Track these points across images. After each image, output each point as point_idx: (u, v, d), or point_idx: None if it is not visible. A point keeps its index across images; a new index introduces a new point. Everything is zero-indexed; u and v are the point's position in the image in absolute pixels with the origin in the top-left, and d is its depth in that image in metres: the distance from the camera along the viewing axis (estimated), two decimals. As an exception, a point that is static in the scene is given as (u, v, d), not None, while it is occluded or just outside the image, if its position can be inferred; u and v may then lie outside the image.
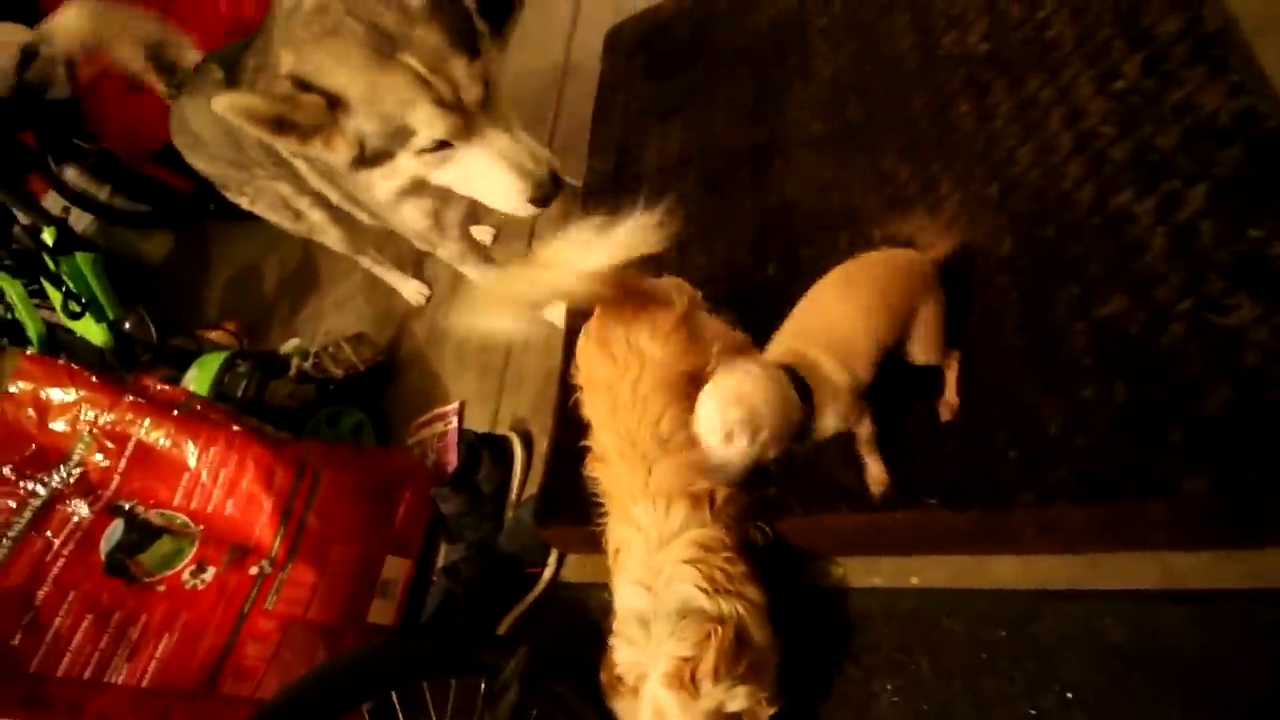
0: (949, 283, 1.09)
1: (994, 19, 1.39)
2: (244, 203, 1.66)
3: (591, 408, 1.08)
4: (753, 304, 1.36)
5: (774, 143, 1.55)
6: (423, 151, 0.98)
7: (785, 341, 1.02)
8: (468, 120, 0.95)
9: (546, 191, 1.03)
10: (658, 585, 0.95)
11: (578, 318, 1.32)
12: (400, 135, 0.94)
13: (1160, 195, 1.06)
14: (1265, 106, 1.05)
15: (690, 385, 1.04)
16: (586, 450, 1.12)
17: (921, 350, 1.05)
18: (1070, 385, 0.98)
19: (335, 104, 0.92)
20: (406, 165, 1.01)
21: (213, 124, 1.39)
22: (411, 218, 1.27)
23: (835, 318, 1.01)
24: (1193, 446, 0.88)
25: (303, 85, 0.90)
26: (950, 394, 1.08)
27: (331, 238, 1.67)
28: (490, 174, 1.01)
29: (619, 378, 1.03)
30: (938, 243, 1.13)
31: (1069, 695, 0.97)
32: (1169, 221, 1.03)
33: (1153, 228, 1.04)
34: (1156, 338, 0.96)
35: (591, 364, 1.08)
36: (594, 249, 0.91)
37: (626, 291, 1.04)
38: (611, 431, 1.04)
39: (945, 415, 1.07)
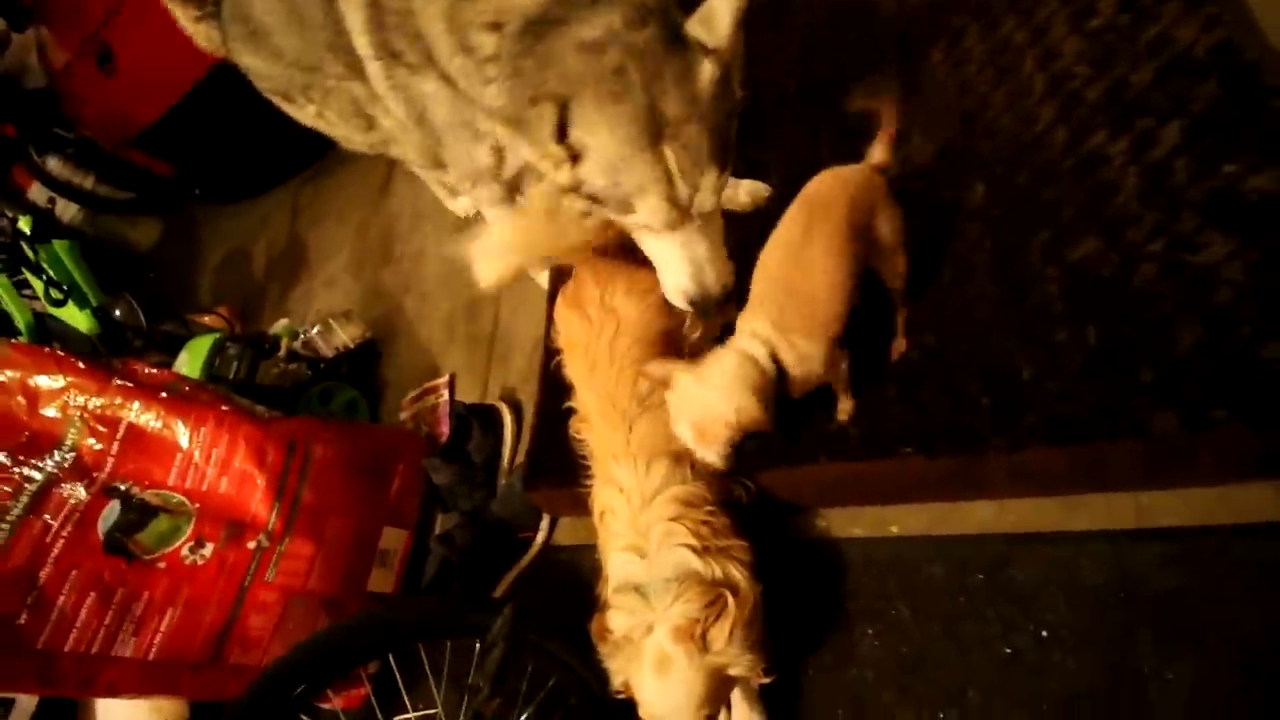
0: (922, 231, 1.08)
1: (969, -40, 1.35)
2: (308, 113, 1.41)
3: (572, 368, 1.10)
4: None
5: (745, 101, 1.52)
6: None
7: (750, 321, 0.95)
8: (684, 218, 0.92)
9: (707, 306, 0.99)
10: (650, 549, 0.96)
11: (558, 282, 1.32)
12: (620, 204, 0.90)
13: (1134, 135, 1.04)
14: (1241, 38, 1.03)
15: (667, 342, 1.05)
16: (570, 412, 1.14)
17: (890, 272, 1.03)
18: (1043, 330, 0.98)
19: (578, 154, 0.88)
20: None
21: (279, 6, 1.21)
22: (480, 154, 1.14)
23: (795, 283, 0.94)
24: (1163, 385, 0.89)
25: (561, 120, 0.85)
26: (899, 338, 1.09)
27: (410, 146, 1.28)
28: (672, 263, 0.98)
29: (595, 337, 1.04)
30: (885, 123, 1.02)
31: (1044, 634, 0.99)
32: (1142, 161, 1.02)
33: (1126, 168, 1.02)
34: (1128, 279, 0.96)
35: (569, 325, 1.09)
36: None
37: (607, 247, 1.05)
38: (592, 391, 1.05)
39: (893, 356, 1.09)
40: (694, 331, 1.12)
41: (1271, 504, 0.92)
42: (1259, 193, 0.92)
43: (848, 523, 1.18)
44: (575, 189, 0.90)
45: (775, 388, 0.91)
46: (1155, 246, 0.96)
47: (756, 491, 1.14)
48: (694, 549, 0.94)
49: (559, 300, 1.13)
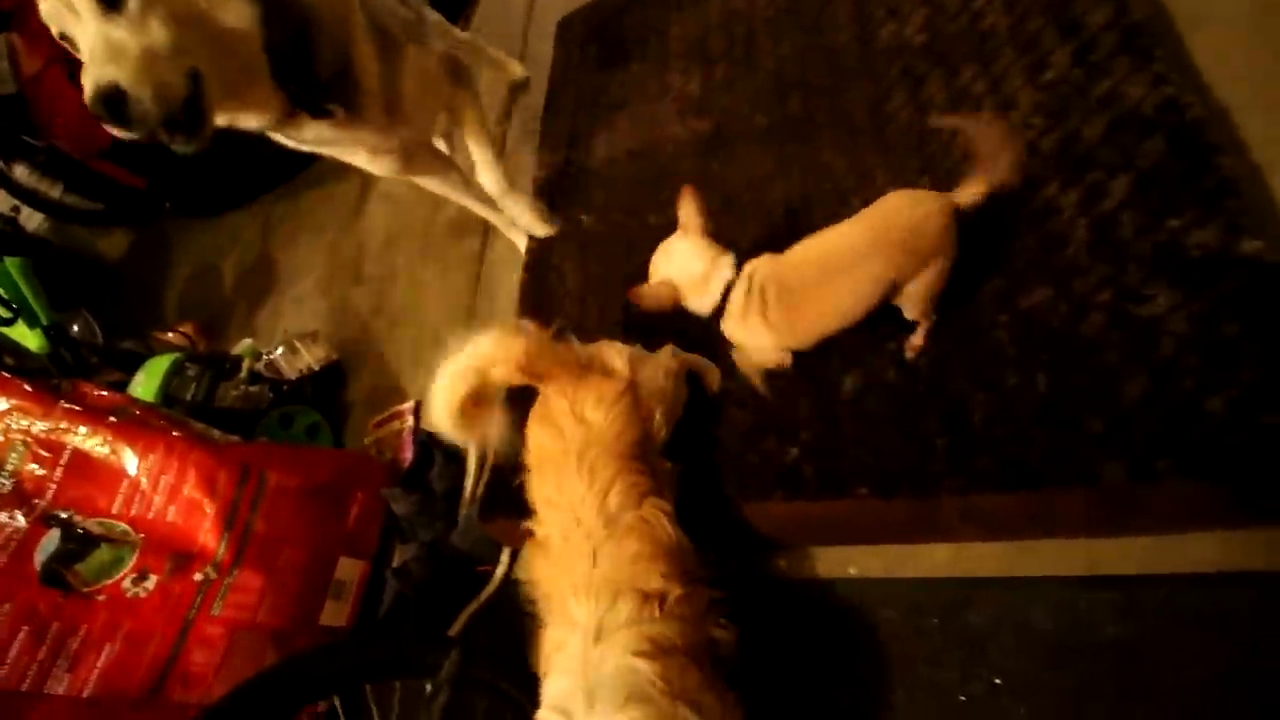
0: None
1: (932, 10, 1.39)
2: None
3: (539, 488, 1.01)
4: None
5: (719, 134, 1.55)
6: None
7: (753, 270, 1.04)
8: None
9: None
10: (597, 683, 0.80)
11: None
12: None
13: (1085, 187, 1.07)
14: (1187, 97, 1.07)
15: (638, 454, 0.99)
16: (527, 534, 1.02)
17: (911, 309, 1.02)
18: (995, 375, 0.99)
19: None
20: None
21: None
22: None
23: (813, 291, 1.00)
24: (1111, 435, 0.90)
25: None
26: (919, 337, 1.06)
27: None
28: None
29: (565, 450, 0.98)
30: (996, 160, 0.96)
31: (997, 681, 0.99)
32: (1091, 213, 1.04)
33: (1076, 219, 1.05)
34: (1077, 328, 0.98)
35: (539, 441, 1.03)
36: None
37: (564, 364, 1.03)
38: (556, 510, 0.96)
39: (909, 354, 1.08)
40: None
41: (1218, 554, 0.94)
42: (1201, 248, 0.95)
43: (806, 563, 1.17)
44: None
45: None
46: (1103, 297, 0.98)
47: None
48: (656, 687, 0.78)
49: (530, 418, 1.06)
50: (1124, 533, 0.99)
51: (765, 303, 1.01)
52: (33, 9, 2.70)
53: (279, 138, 1.21)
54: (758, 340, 1.07)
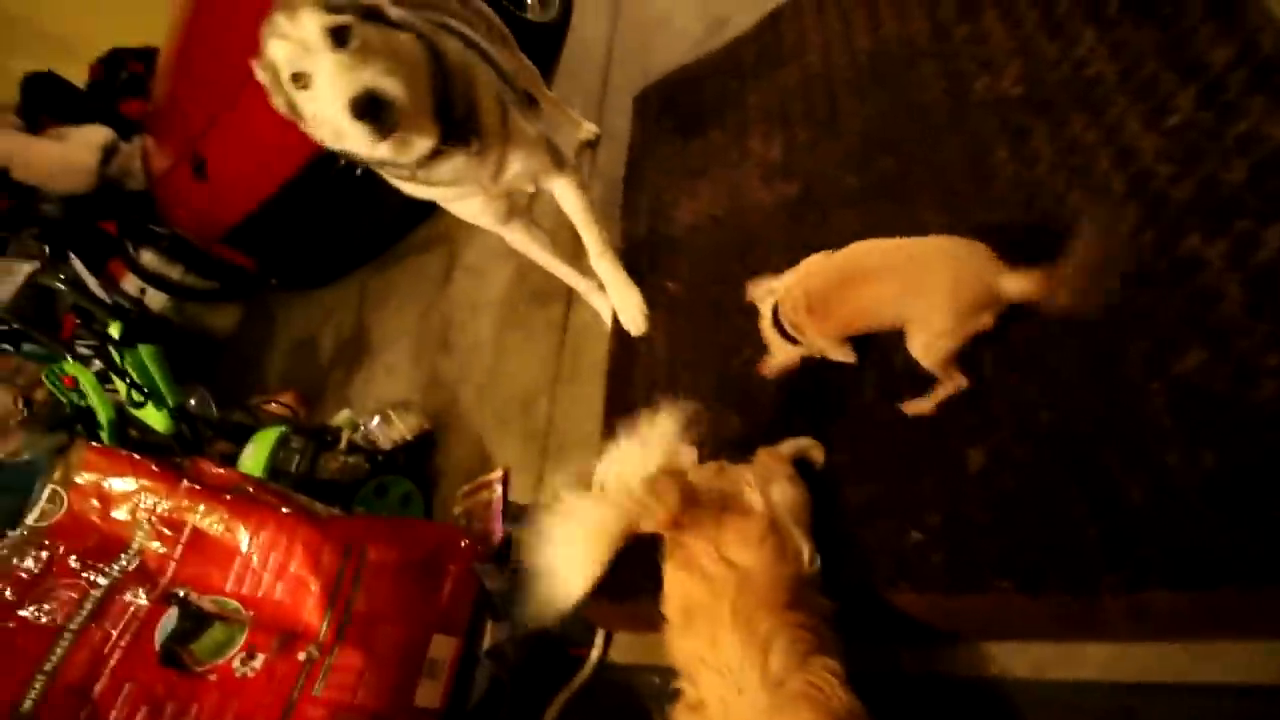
0: (1004, 335, 1.04)
1: (1027, 61, 1.34)
2: None
3: (687, 643, 0.90)
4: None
5: (807, 197, 1.52)
6: None
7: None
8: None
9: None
10: None
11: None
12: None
13: (1232, 236, 0.97)
14: (1343, 135, 0.97)
15: (795, 599, 0.90)
16: (676, 694, 0.93)
17: (919, 355, 1.05)
18: (1152, 451, 0.89)
19: None
20: None
21: None
22: None
23: (843, 293, 1.09)
24: (1303, 522, 0.78)
25: None
26: (929, 403, 1.09)
27: None
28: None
29: (716, 598, 0.88)
30: (1068, 275, 0.93)
31: (1180, 807, 0.85)
32: (1244, 265, 0.94)
33: (1226, 273, 0.95)
34: (1245, 396, 0.87)
35: (683, 590, 0.93)
36: (640, 462, 0.90)
37: (698, 503, 0.95)
38: (713, 670, 0.86)
39: (908, 410, 1.10)
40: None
41: None
42: (1391, 304, 0.83)
43: (937, 660, 1.06)
44: None
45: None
46: (1273, 361, 0.87)
47: None
48: None
49: (667, 566, 0.97)
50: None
51: (796, 311, 1.14)
52: (163, 115, 3.02)
53: (409, 186, 1.40)
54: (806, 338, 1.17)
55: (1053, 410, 0.99)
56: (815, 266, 1.15)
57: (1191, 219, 1.02)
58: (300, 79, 1.11)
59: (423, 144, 1.22)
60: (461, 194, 1.46)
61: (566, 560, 0.91)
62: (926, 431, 1.09)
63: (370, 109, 1.07)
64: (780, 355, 1.27)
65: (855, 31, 1.70)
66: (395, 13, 1.19)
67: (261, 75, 1.16)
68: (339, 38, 1.08)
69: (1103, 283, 0.92)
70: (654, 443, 0.94)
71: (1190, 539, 0.83)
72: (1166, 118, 1.13)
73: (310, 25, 1.07)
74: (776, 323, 1.19)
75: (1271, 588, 0.77)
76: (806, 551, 0.96)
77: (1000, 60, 1.38)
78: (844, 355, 1.20)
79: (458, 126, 1.26)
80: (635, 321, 1.69)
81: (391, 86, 1.09)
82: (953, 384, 1.07)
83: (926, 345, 1.04)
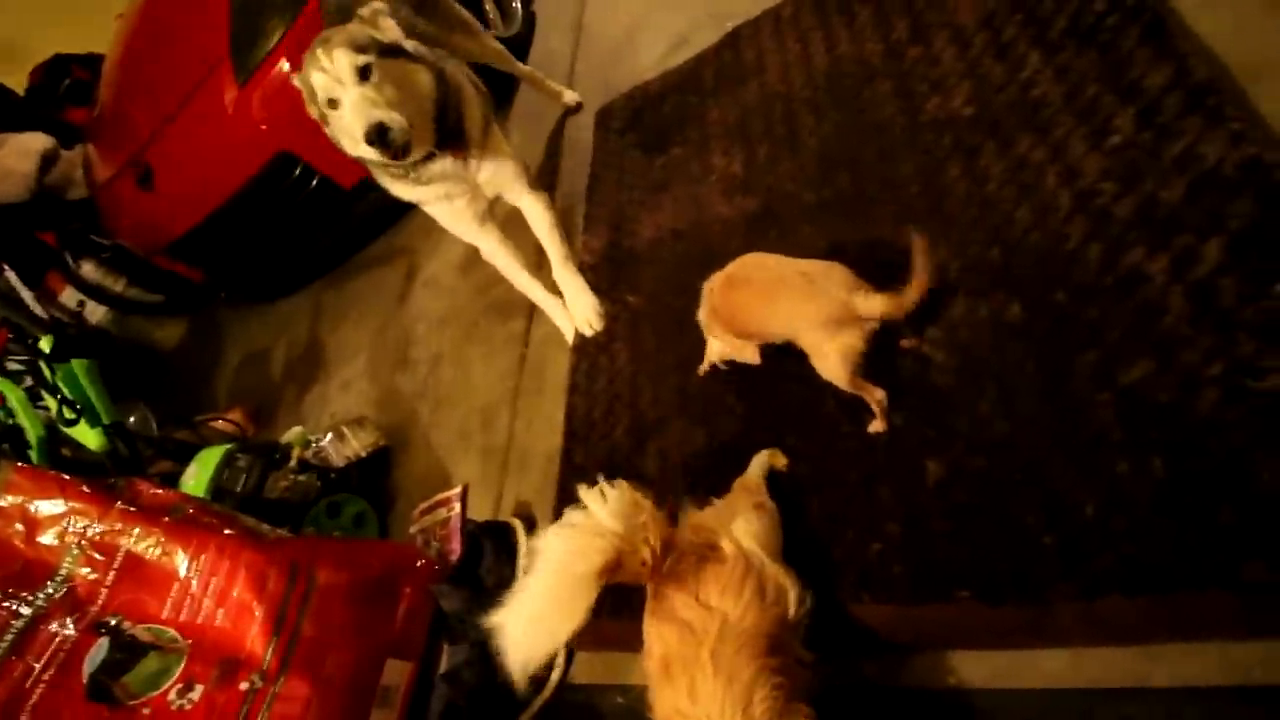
0: (960, 348, 1.05)
1: (976, 82, 1.38)
2: None
3: (667, 697, 0.86)
4: (753, 382, 1.33)
5: (767, 212, 1.54)
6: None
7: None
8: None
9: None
10: None
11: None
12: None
13: (1173, 251, 1.01)
14: (1271, 156, 1.02)
15: (776, 644, 0.88)
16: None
17: (825, 374, 1.12)
18: (1103, 461, 0.91)
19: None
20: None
21: None
22: None
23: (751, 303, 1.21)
24: (1246, 527, 0.81)
25: None
26: (879, 420, 1.12)
27: None
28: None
29: (696, 647, 0.85)
30: (904, 305, 1.04)
31: (1137, 814, 0.86)
32: (1185, 279, 0.98)
33: (1169, 286, 0.99)
34: (1190, 405, 0.90)
35: (662, 640, 0.89)
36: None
37: (677, 551, 0.91)
38: None
39: (871, 430, 1.13)
40: None
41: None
42: (1320, 315, 0.87)
43: (898, 670, 1.06)
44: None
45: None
46: (1214, 370, 0.90)
47: None
48: None
49: (646, 617, 0.94)
50: (1266, 635, 0.87)
51: (711, 318, 1.28)
52: (107, 123, 2.94)
53: (399, 186, 1.60)
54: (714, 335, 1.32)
55: (1007, 421, 1.00)
56: (720, 283, 1.26)
57: (1134, 234, 1.05)
58: (333, 103, 1.38)
59: (420, 151, 1.46)
60: (446, 193, 1.63)
61: (546, 607, 0.83)
62: (886, 444, 1.09)
63: (380, 137, 1.34)
64: (707, 353, 1.39)
65: (813, 52, 1.73)
66: (410, 45, 1.47)
67: (302, 89, 1.43)
68: (364, 74, 1.35)
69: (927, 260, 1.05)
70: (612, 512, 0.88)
71: (1144, 548, 0.84)
72: (1108, 138, 1.17)
73: (342, 62, 1.35)
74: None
75: (1219, 591, 0.79)
76: (793, 593, 0.92)
77: (951, 81, 1.42)
78: (748, 357, 1.30)
79: (449, 134, 1.51)
80: (590, 321, 1.74)
81: (396, 120, 1.35)
82: (870, 397, 1.11)
83: (820, 366, 1.11)
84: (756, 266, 1.22)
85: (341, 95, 1.36)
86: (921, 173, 1.34)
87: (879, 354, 1.12)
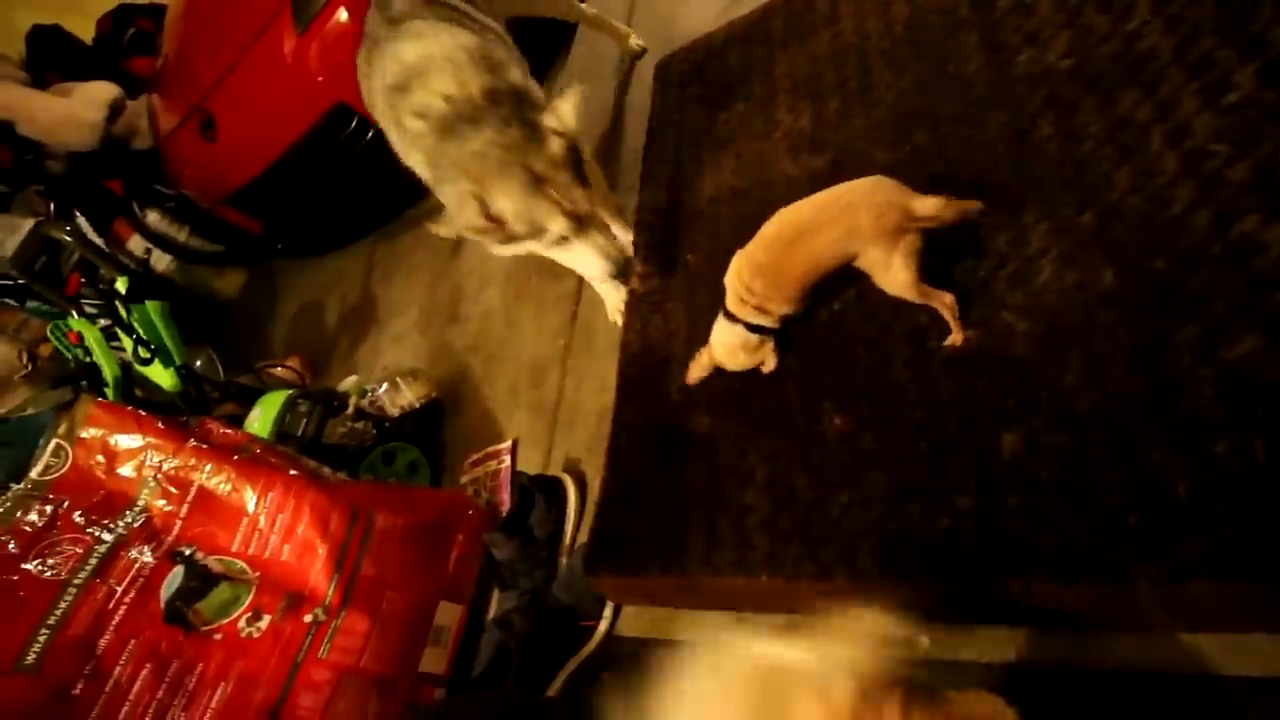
0: (1047, 314, 1.02)
1: (1076, 33, 1.28)
2: None
3: None
4: (813, 345, 1.29)
5: (835, 171, 1.47)
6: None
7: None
8: (581, 225, 1.39)
9: (623, 270, 1.49)
10: None
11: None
12: (538, 231, 1.38)
13: (1293, 220, 0.93)
14: None
15: None
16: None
17: (891, 287, 1.13)
18: (1199, 441, 0.85)
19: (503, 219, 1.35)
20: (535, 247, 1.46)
21: None
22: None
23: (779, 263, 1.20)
24: (1357, 516, 0.75)
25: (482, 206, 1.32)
26: (956, 333, 1.10)
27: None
28: (590, 257, 1.45)
29: None
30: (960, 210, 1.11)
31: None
32: (1307, 250, 0.90)
33: (1287, 258, 0.91)
34: (1302, 386, 0.83)
35: None
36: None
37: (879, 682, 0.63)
38: None
39: (947, 345, 1.11)
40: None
41: None
42: None
43: (955, 643, 1.04)
44: (511, 239, 1.39)
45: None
46: (1333, 350, 0.84)
47: None
48: None
49: None
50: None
51: (752, 290, 1.22)
52: (171, 73, 2.98)
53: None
54: (757, 321, 1.26)
55: (1094, 394, 0.95)
56: (753, 248, 1.24)
57: (1249, 200, 0.97)
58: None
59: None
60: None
61: None
62: (959, 415, 1.05)
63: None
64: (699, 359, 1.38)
65: (891, 0, 1.63)
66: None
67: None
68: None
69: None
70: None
71: (1238, 533, 0.80)
72: (1224, 95, 1.07)
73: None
74: (728, 314, 1.28)
75: (1322, 583, 0.74)
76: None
77: (1047, 33, 1.32)
78: (765, 357, 1.30)
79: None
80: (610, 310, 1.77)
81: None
82: (939, 304, 1.11)
83: (884, 277, 1.13)
84: (789, 213, 1.21)
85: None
86: (1009, 131, 1.26)
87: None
